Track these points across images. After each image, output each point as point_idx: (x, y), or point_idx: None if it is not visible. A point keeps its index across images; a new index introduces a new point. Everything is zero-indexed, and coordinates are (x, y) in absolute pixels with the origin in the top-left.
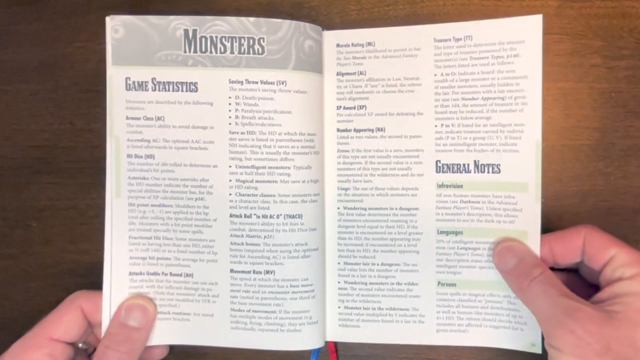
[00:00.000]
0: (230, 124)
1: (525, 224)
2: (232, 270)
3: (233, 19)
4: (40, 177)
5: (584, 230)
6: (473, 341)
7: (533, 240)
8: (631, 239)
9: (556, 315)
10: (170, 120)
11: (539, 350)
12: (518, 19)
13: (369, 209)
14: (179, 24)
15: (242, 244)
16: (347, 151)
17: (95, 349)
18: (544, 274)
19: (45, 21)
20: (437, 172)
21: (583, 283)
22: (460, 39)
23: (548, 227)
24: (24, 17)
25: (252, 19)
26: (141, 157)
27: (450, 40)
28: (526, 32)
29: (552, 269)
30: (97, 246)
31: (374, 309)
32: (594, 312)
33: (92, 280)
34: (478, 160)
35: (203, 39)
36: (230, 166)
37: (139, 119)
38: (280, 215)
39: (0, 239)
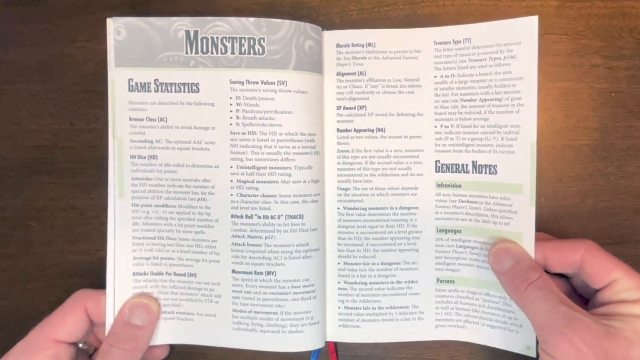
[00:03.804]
0: (231, 124)
1: (520, 226)
2: (233, 271)
3: (233, 20)
4: (40, 177)
5: (582, 246)
6: (471, 337)
7: (527, 243)
8: (631, 239)
9: (554, 322)
10: (172, 121)
11: (533, 354)
12: (514, 21)
13: (369, 208)
14: (180, 25)
15: (244, 245)
16: (347, 151)
17: (95, 350)
18: (541, 279)
19: (45, 21)
20: (436, 171)
21: (571, 289)
22: (460, 42)
23: (548, 227)
24: (24, 17)
25: (252, 19)
26: (144, 157)
27: (449, 42)
28: (522, 33)
29: None
30: (97, 246)
31: (374, 308)
32: (593, 325)
33: (92, 280)
34: (476, 161)
35: (204, 40)
36: (231, 167)
37: (142, 119)
38: (281, 215)
39: (0, 239)
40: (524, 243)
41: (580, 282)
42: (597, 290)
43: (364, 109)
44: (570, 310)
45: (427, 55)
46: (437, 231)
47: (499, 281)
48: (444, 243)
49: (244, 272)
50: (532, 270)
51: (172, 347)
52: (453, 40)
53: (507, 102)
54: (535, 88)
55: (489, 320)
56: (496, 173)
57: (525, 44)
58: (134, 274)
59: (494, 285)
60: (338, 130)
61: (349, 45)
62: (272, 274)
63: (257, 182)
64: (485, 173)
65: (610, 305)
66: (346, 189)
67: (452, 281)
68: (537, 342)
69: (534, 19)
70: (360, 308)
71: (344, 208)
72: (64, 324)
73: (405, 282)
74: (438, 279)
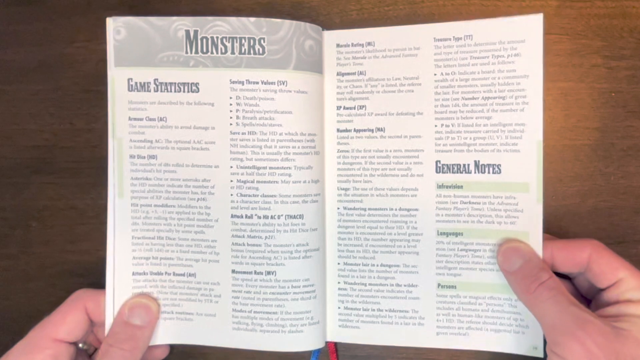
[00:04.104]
0: (231, 124)
1: (527, 225)
2: (233, 271)
3: (234, 20)
4: (40, 177)
5: (589, 246)
6: (474, 345)
7: (534, 242)
8: (631, 239)
9: (565, 324)
10: (172, 120)
11: (540, 354)
12: (519, 18)
13: (369, 209)
14: (180, 24)
15: (244, 245)
16: (347, 151)
17: (95, 350)
18: (552, 279)
19: (45, 21)
20: (437, 172)
21: (573, 289)
22: (461, 38)
23: (548, 227)
24: (24, 17)
25: (252, 19)
26: (144, 157)
27: (450, 39)
28: (527, 31)
29: None
30: (97, 246)
31: (374, 310)
32: (603, 326)
33: (92, 280)
34: (478, 161)
35: (204, 40)
36: (231, 167)
37: (141, 119)
38: (281, 215)
39: (0, 239)
40: (530, 242)
41: (583, 282)
42: (602, 290)
43: (364, 108)
44: (581, 311)
45: (426, 53)
46: (438, 234)
47: (507, 281)
48: (445, 247)
49: (244, 272)
50: (542, 270)
51: (172, 347)
52: (454, 37)
53: (511, 100)
54: (541, 86)
55: (494, 325)
56: (500, 172)
57: (530, 42)
58: (133, 273)
59: (498, 288)
60: (338, 130)
61: (348, 45)
62: (272, 273)
63: (257, 182)
64: (489, 173)
65: (616, 305)
66: (346, 189)
67: (453, 286)
68: (545, 343)
69: (539, 17)
70: (360, 309)
71: (344, 208)
72: (64, 323)
73: (404, 285)
74: (439, 284)
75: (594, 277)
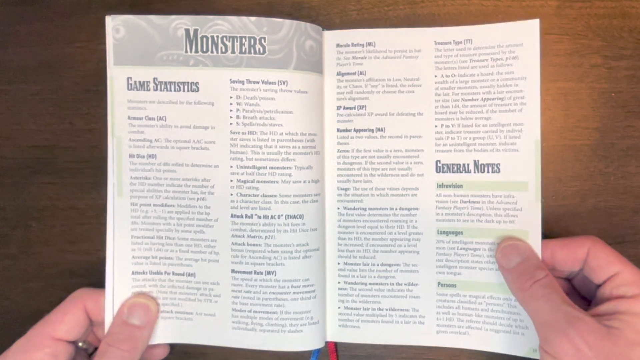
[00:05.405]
0: (231, 124)
1: (526, 224)
2: (233, 271)
3: (234, 19)
4: (40, 177)
5: (588, 241)
6: (473, 344)
7: (534, 240)
8: (631, 239)
9: (557, 321)
10: (172, 120)
11: (539, 356)
12: (516, 24)
13: (369, 209)
14: (180, 23)
15: (243, 245)
16: (347, 151)
17: (95, 349)
18: (547, 278)
19: (45, 21)
20: (437, 172)
21: (571, 289)
22: (461, 42)
23: (548, 227)
24: (24, 17)
25: (253, 18)
26: (143, 157)
27: (450, 43)
28: (524, 35)
29: None
30: (97, 246)
31: (374, 309)
32: (595, 325)
33: (92, 280)
34: (478, 160)
35: (204, 39)
36: (231, 166)
37: (141, 118)
38: (282, 215)
39: (0, 239)
40: (530, 240)
41: (581, 280)
42: (598, 287)
43: (364, 108)
44: (572, 310)
45: (427, 55)
46: (438, 233)
47: (504, 278)
48: (445, 245)
49: (244, 272)
50: (539, 269)
51: (172, 347)
52: (454, 40)
53: (509, 101)
54: (538, 87)
55: (493, 325)
56: (499, 172)
57: (527, 45)
58: (133, 273)
59: (497, 288)
60: (338, 130)
61: (348, 45)
62: (272, 273)
63: (257, 182)
64: (488, 172)
65: (610, 302)
66: (346, 189)
67: (453, 285)
68: None
69: (535, 22)
70: (360, 309)
71: (344, 208)
72: (63, 322)
73: (405, 284)
74: (439, 283)
75: (591, 272)
